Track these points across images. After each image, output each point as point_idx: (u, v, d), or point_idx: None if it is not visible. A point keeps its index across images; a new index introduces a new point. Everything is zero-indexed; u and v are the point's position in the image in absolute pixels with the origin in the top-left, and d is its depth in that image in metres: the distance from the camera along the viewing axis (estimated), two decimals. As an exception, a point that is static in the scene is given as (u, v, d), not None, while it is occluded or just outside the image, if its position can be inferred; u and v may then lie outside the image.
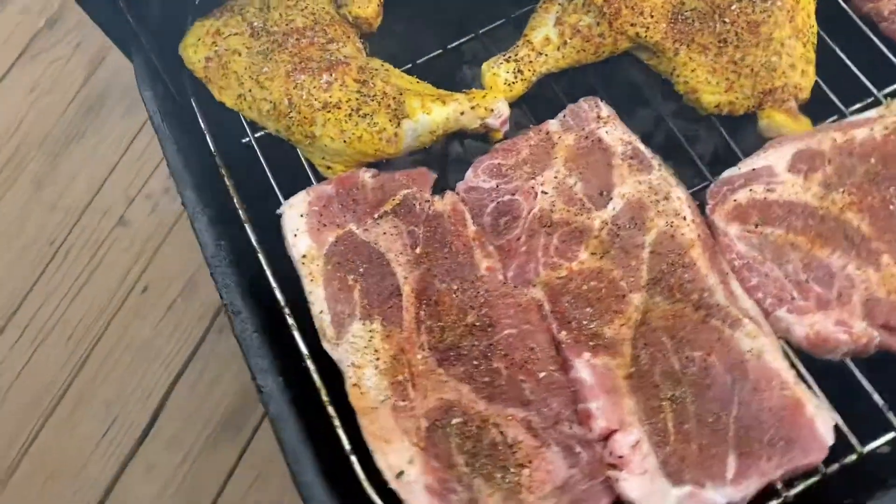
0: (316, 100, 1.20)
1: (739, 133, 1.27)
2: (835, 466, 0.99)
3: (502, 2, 1.49)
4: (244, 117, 1.29)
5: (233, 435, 2.17)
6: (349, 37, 1.29)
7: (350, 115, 1.18)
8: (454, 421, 1.02)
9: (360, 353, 1.07)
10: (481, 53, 1.56)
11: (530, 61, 1.24)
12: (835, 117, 1.21)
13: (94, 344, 2.30)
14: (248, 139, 1.30)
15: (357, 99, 1.19)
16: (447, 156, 1.50)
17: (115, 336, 2.30)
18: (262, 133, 1.29)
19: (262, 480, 2.10)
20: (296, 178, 1.27)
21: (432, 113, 1.19)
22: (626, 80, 1.45)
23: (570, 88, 1.32)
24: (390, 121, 1.18)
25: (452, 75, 1.46)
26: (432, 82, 1.30)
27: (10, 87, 2.74)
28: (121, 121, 2.64)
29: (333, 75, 1.20)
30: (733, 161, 1.25)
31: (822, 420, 0.97)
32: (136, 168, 2.57)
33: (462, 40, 1.39)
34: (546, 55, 1.25)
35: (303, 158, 1.28)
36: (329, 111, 1.19)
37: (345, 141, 1.19)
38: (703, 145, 1.52)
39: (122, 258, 2.41)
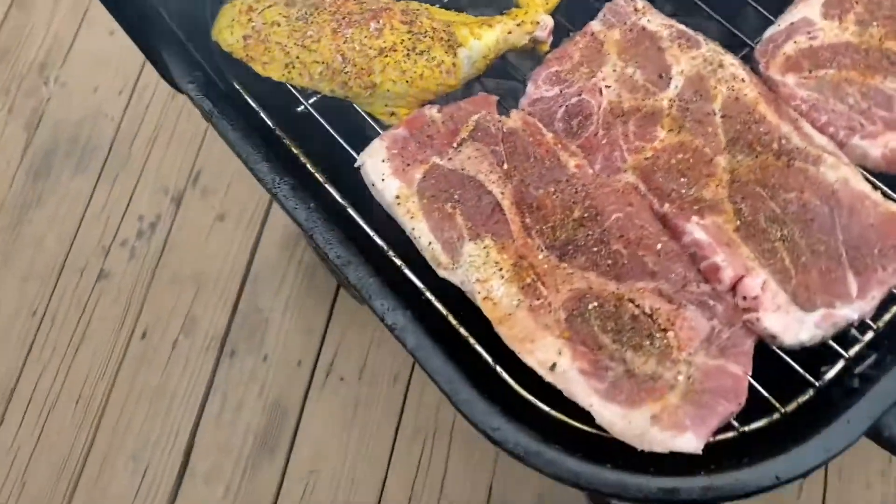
0: (370, 48, 1.22)
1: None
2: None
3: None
4: (293, 86, 1.31)
5: (269, 454, 2.18)
6: (380, -9, 1.32)
7: (407, 54, 1.22)
8: (590, 306, 1.07)
9: (481, 269, 1.10)
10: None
11: (559, -27, 1.30)
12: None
13: (106, 401, 2.27)
14: (302, 107, 1.32)
15: (410, 39, 1.22)
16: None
17: (125, 388, 2.28)
18: (315, 98, 1.31)
19: (310, 492, 2.11)
20: (358, 137, 1.30)
21: (483, 37, 1.24)
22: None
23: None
24: (446, 52, 1.22)
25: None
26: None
27: None
28: (74, 177, 2.59)
29: (381, 21, 1.24)
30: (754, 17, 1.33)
31: (920, 220, 1.06)
32: (104, 219, 2.53)
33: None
34: (572, -36, 1.31)
35: (364, 114, 1.30)
36: (386, 55, 1.22)
37: (407, 81, 1.22)
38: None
39: (112, 311, 2.38)
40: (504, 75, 1.44)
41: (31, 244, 2.50)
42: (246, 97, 1.33)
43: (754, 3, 1.33)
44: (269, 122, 1.30)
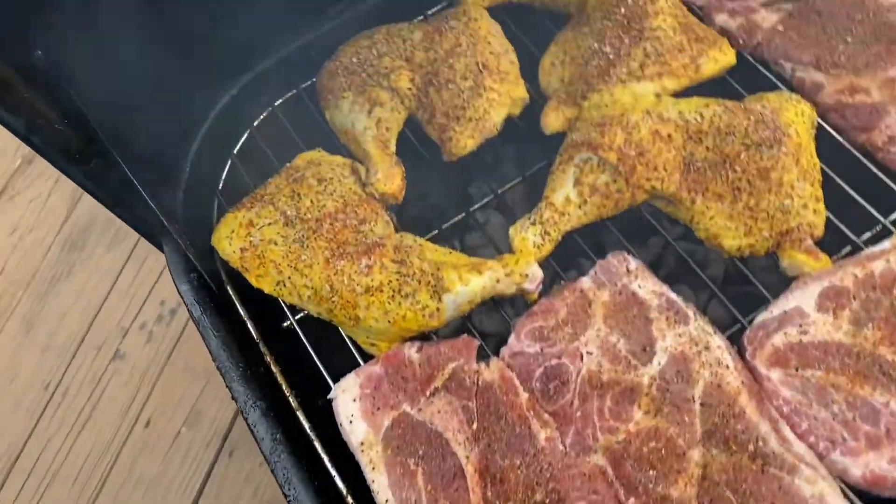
0: (358, 284, 1.23)
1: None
2: None
3: (514, 159, 1.58)
4: (283, 302, 1.32)
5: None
6: (378, 213, 1.34)
7: (392, 296, 1.22)
8: None
9: (433, 540, 1.08)
10: (499, 213, 1.64)
11: (555, 222, 1.30)
12: (849, 248, 1.28)
13: (102, 484, 2.26)
14: (288, 322, 1.33)
15: (397, 280, 1.23)
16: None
17: (123, 474, 2.26)
18: (303, 314, 1.33)
19: None
20: (341, 355, 1.30)
21: (470, 284, 1.23)
22: (631, 210, 1.52)
23: (584, 230, 1.37)
24: (431, 297, 1.22)
25: (476, 231, 1.52)
26: (460, 240, 1.35)
27: None
28: (106, 254, 2.66)
29: (372, 258, 1.25)
30: (743, 281, 1.31)
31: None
32: (128, 299, 2.57)
33: (481, 203, 1.45)
34: (568, 214, 1.31)
35: (346, 336, 1.31)
36: (372, 294, 1.22)
37: (389, 321, 1.23)
38: (714, 267, 1.59)
39: (122, 393, 2.39)
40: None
41: (55, 316, 2.56)
42: (237, 305, 1.34)
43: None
44: (253, 334, 1.32)
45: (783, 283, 1.25)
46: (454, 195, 1.71)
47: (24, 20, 1.07)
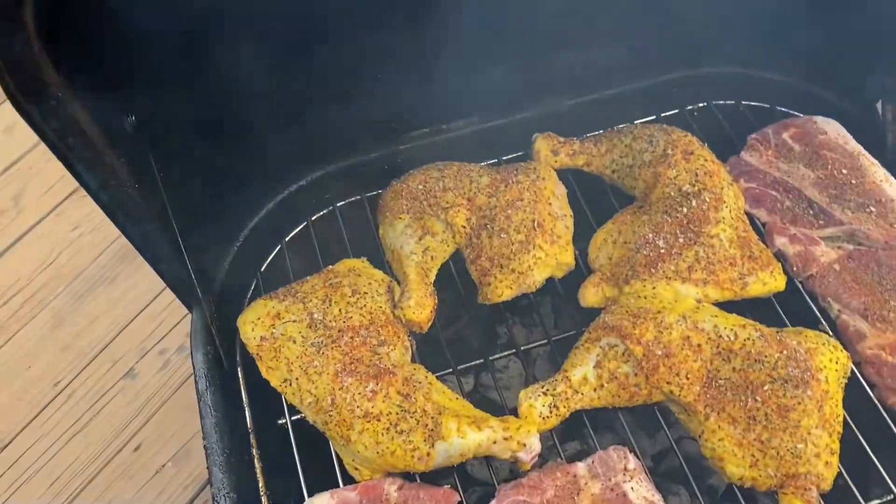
0: (358, 406, 1.24)
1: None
2: None
3: (548, 313, 1.59)
4: (285, 399, 1.34)
5: None
6: (399, 337, 1.36)
7: (388, 428, 1.22)
8: None
9: None
10: (518, 362, 1.64)
11: (566, 398, 1.30)
12: (854, 511, 1.24)
13: (75, 497, 2.24)
14: (284, 420, 1.34)
15: (397, 413, 1.24)
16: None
17: (97, 492, 2.24)
18: (299, 416, 1.34)
19: None
20: (324, 468, 1.30)
21: (467, 437, 1.23)
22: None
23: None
24: (425, 440, 1.22)
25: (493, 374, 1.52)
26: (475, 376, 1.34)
27: (55, 222, 2.82)
28: (150, 273, 2.70)
29: (379, 384, 1.26)
30: (749, 500, 1.26)
31: None
32: (157, 322, 2.60)
33: (502, 354, 1.46)
34: (582, 394, 1.31)
35: (333, 451, 1.31)
36: (368, 421, 1.23)
37: (377, 452, 1.22)
38: (717, 478, 1.54)
39: (123, 412, 2.39)
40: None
41: (85, 319, 2.59)
42: (242, 390, 1.36)
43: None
44: (248, 424, 1.33)
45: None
46: (479, 328, 1.72)
47: (125, 83, 1.15)
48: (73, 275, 2.72)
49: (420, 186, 1.51)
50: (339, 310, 1.35)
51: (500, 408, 1.39)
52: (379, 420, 1.23)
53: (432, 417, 1.24)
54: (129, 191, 1.14)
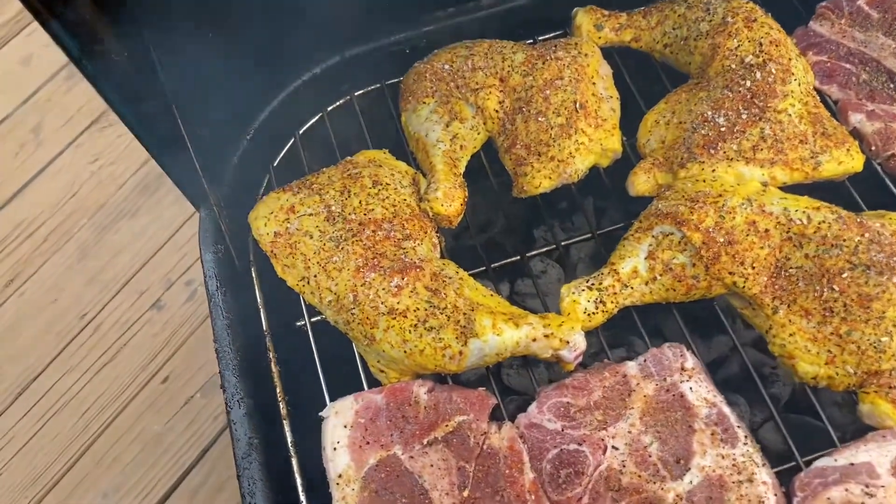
0: (382, 302, 1.12)
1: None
2: None
3: (589, 213, 1.44)
4: (303, 300, 1.22)
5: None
6: (426, 232, 1.23)
7: (416, 325, 1.10)
8: None
9: None
10: (558, 266, 1.50)
11: (614, 293, 1.16)
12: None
13: (104, 428, 2.23)
14: (303, 322, 1.22)
15: (426, 309, 1.11)
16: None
17: (128, 423, 2.23)
18: (319, 318, 1.22)
19: None
20: (347, 372, 1.19)
21: (503, 335, 1.10)
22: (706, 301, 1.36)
23: (645, 307, 1.21)
24: (457, 338, 1.10)
25: (529, 279, 1.38)
26: (510, 283, 1.23)
27: (75, 155, 2.75)
28: (174, 205, 2.63)
29: (405, 279, 1.13)
30: (810, 411, 1.13)
31: None
32: (181, 254, 2.53)
33: (541, 250, 1.31)
34: (632, 288, 1.16)
35: (357, 354, 1.19)
36: (394, 318, 1.11)
37: (405, 351, 1.10)
38: (779, 386, 1.41)
39: (150, 343, 2.35)
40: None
41: (109, 251, 2.53)
42: (256, 290, 1.25)
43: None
44: (263, 325, 1.22)
45: (858, 428, 1.08)
46: (515, 233, 1.59)
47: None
48: (96, 207, 2.65)
49: (446, 66, 1.35)
50: (360, 202, 1.22)
51: (539, 311, 1.26)
52: (406, 316, 1.11)
53: (464, 314, 1.11)
54: (119, 62, 1.00)
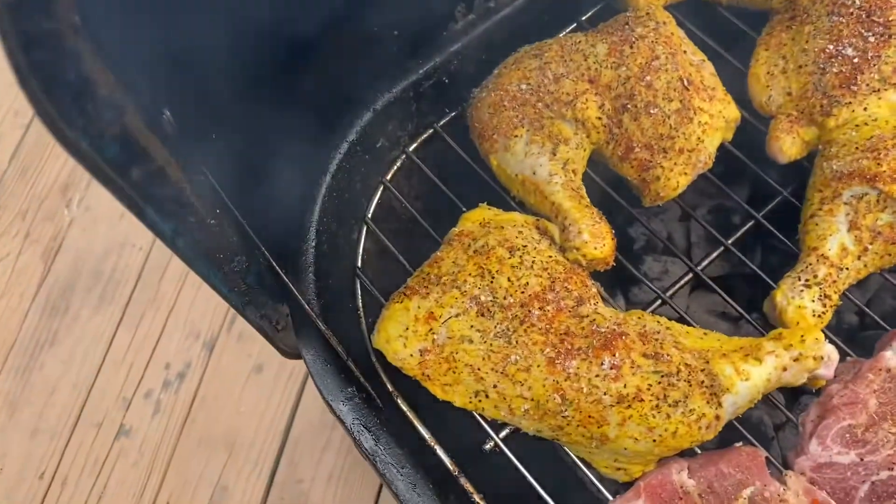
0: (606, 393, 0.91)
1: None
2: None
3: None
4: (480, 416, 0.99)
5: None
6: (587, 286, 1.01)
7: (657, 406, 0.90)
8: None
9: None
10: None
11: (833, 280, 0.99)
12: None
13: None
14: (491, 443, 0.99)
15: (658, 382, 0.91)
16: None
17: None
18: (509, 430, 0.99)
19: None
20: (563, 483, 0.97)
21: (751, 378, 0.92)
22: None
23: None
24: (708, 402, 0.90)
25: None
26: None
27: None
28: (94, 316, 2.22)
29: (617, 355, 0.92)
30: None
31: None
32: (126, 365, 2.16)
33: (711, 258, 1.13)
34: (847, 269, 1.00)
35: (573, 455, 0.98)
36: (627, 406, 0.90)
37: (654, 440, 0.90)
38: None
39: (132, 475, 2.01)
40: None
41: (42, 393, 2.13)
42: (418, 428, 1.00)
43: None
44: (447, 465, 0.98)
45: None
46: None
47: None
48: (5, 351, 2.20)
49: (522, 86, 1.12)
50: (507, 279, 0.99)
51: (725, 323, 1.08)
52: (641, 400, 0.90)
53: (701, 370, 0.92)
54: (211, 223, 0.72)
